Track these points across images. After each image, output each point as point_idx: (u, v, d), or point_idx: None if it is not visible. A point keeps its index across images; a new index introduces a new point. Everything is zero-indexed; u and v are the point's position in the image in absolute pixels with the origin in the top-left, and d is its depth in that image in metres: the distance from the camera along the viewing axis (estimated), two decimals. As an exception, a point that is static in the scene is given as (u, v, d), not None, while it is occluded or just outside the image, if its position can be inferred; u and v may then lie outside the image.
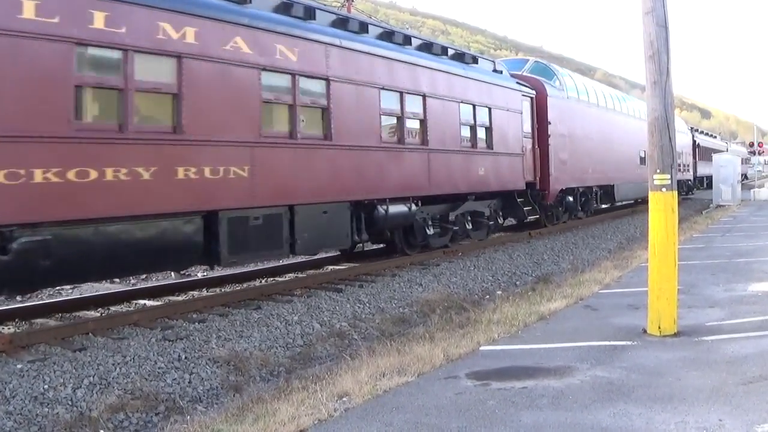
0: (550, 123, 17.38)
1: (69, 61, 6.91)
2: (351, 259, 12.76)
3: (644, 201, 24.20)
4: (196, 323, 8.01)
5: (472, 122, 14.14)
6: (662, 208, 6.32)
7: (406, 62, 12.11)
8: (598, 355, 5.73)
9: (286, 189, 9.44)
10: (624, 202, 26.54)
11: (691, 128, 41.23)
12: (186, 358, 6.98)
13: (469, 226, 14.50)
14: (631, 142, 23.36)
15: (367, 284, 10.74)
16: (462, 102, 13.69)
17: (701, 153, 40.53)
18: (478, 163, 14.20)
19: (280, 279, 11.13)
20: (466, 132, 13.96)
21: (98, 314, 8.43)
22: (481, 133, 14.46)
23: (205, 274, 11.20)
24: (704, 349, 5.80)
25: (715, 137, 56.34)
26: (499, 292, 11.02)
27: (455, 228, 13.80)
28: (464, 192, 13.85)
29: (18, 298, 9.77)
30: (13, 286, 7.21)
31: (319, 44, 10.09)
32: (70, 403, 5.80)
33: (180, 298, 9.43)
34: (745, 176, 47.91)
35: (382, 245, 13.73)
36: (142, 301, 9.16)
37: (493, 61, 16.89)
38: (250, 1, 9.16)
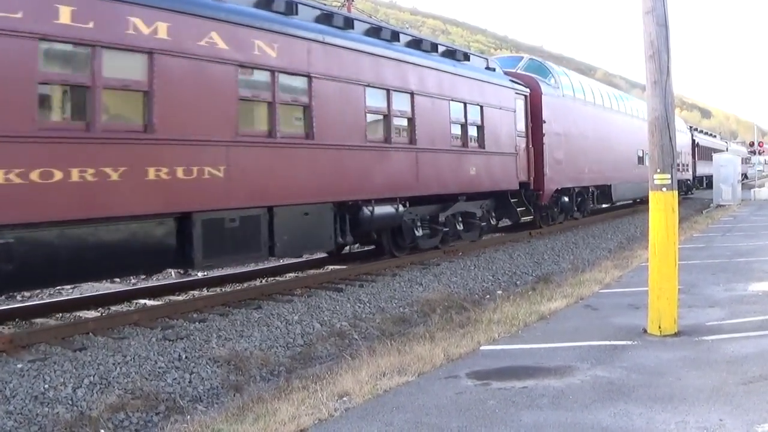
0: (544, 122, 17.05)
1: (33, 58, 6.63)
2: (339, 261, 12.54)
3: (643, 201, 24.10)
4: (197, 323, 8.02)
5: (463, 121, 13.80)
6: (662, 207, 6.33)
7: (393, 59, 11.76)
8: (598, 355, 5.73)
9: (264, 190, 9.10)
10: (622, 203, 26.36)
11: (690, 127, 41.06)
12: (186, 357, 6.98)
13: (461, 227, 14.23)
14: (629, 141, 23.17)
15: (367, 284, 10.74)
16: (452, 100, 13.36)
17: (700, 152, 40.42)
18: (469, 162, 13.89)
19: (280, 278, 11.14)
20: (456, 131, 13.66)
21: (98, 314, 8.44)
22: (472, 132, 14.17)
23: (205, 273, 11.20)
24: (705, 348, 5.80)
25: (715, 136, 56.30)
26: (500, 292, 11.01)
27: (445, 229, 13.55)
28: (455, 192, 13.57)
29: (18, 297, 9.78)
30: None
31: (300, 40, 9.78)
32: (70, 402, 5.81)
33: (180, 298, 9.44)
34: (745, 176, 47.94)
35: (371, 247, 13.44)
36: (142, 301, 9.16)
37: (486, 59, 16.58)
38: (228, -5, 8.85)
